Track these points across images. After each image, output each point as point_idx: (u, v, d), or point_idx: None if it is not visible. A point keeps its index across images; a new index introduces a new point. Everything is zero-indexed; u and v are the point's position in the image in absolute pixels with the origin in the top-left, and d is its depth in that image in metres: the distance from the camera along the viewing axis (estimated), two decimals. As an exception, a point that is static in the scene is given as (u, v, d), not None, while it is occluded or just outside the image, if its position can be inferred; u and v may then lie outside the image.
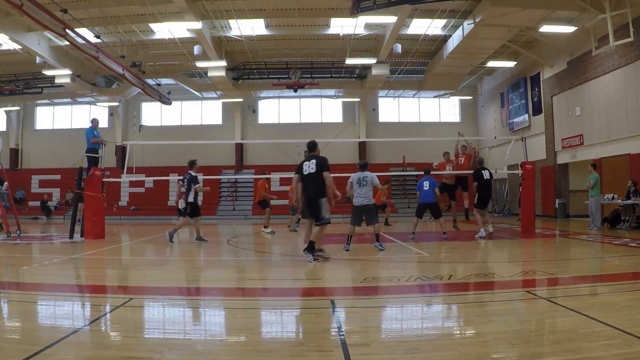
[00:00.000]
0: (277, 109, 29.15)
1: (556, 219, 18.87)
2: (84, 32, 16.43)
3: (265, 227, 13.88)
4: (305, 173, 7.64)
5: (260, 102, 29.02)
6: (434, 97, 28.06)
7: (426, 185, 11.02)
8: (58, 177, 27.12)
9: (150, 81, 23.74)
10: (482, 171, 11.15)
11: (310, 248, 7.54)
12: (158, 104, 27.12)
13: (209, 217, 24.96)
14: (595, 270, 7.24)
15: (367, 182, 8.93)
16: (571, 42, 17.86)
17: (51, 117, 29.59)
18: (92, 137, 12.13)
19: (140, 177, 19.90)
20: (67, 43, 16.41)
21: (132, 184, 23.76)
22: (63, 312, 4.65)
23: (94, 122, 12.63)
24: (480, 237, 10.88)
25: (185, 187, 11.11)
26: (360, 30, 18.88)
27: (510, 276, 6.22)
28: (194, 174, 11.08)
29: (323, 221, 7.52)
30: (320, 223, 7.54)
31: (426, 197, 11.01)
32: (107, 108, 28.23)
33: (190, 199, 10.94)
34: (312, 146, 7.95)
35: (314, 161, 7.62)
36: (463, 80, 24.55)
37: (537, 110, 21.15)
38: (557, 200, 19.37)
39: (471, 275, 6.33)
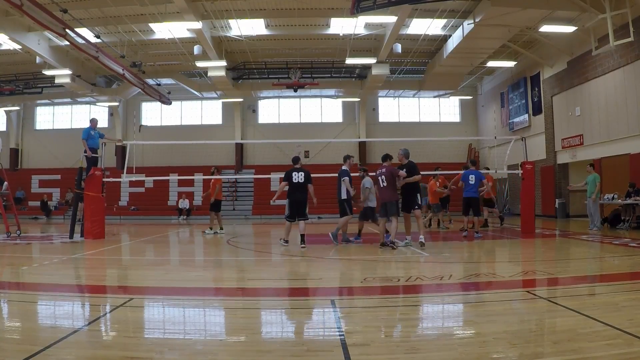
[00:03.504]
0: (277, 109, 29.14)
1: (556, 219, 18.86)
2: (84, 32, 16.42)
3: (210, 227, 14.14)
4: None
5: (260, 102, 29.01)
6: (434, 97, 28.05)
7: (472, 178, 11.11)
8: (58, 177, 27.12)
9: (150, 81, 23.73)
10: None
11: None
12: (158, 103, 27.12)
13: (209, 217, 24.92)
14: (595, 270, 7.23)
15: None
16: (571, 42, 17.86)
17: (51, 117, 29.59)
18: (86, 137, 11.98)
19: (140, 177, 19.90)
20: (67, 43, 16.40)
21: (132, 184, 23.77)
22: (63, 312, 4.65)
23: (93, 122, 12.62)
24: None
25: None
26: (360, 30, 18.87)
27: (510, 276, 6.22)
28: (344, 167, 10.30)
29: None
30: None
31: (470, 192, 11.15)
32: (107, 108, 28.24)
33: (343, 195, 10.07)
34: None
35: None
36: (463, 80, 24.52)
37: (537, 110, 21.14)
38: (557, 200, 19.36)
39: (471, 275, 6.33)
